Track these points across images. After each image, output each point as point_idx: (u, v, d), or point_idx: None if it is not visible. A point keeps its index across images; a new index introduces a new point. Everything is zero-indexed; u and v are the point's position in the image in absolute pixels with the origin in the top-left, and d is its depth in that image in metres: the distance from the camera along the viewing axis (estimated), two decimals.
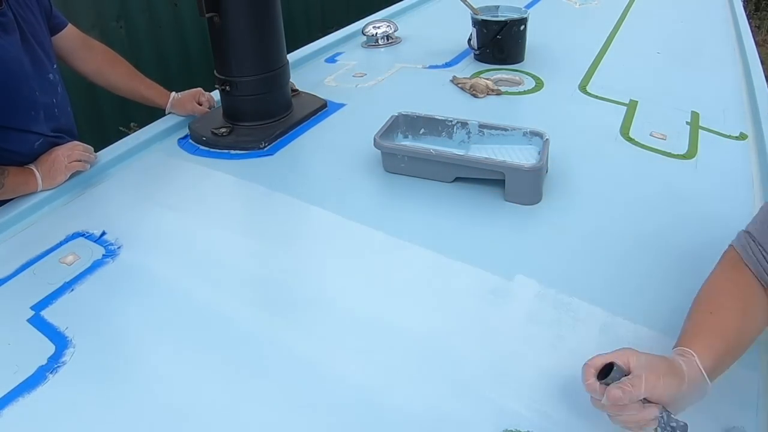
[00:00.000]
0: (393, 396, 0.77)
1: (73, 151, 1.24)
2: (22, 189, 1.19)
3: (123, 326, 0.89)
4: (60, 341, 0.85)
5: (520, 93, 1.64)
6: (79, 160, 1.24)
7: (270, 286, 0.97)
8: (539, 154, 1.22)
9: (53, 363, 0.82)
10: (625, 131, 1.42)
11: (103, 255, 1.03)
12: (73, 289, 0.95)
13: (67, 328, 0.87)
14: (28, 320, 0.89)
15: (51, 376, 0.80)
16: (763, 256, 0.78)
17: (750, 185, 1.23)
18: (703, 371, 0.70)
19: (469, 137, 1.29)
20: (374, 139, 1.23)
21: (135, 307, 0.92)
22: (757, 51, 1.98)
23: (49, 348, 0.84)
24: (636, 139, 1.38)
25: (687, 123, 1.47)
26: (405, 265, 1.00)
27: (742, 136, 1.42)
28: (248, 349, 0.84)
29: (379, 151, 1.25)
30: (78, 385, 0.79)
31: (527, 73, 1.75)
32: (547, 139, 1.21)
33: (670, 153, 1.33)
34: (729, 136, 1.42)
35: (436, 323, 0.88)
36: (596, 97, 1.61)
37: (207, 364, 0.82)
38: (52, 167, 1.22)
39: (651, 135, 1.40)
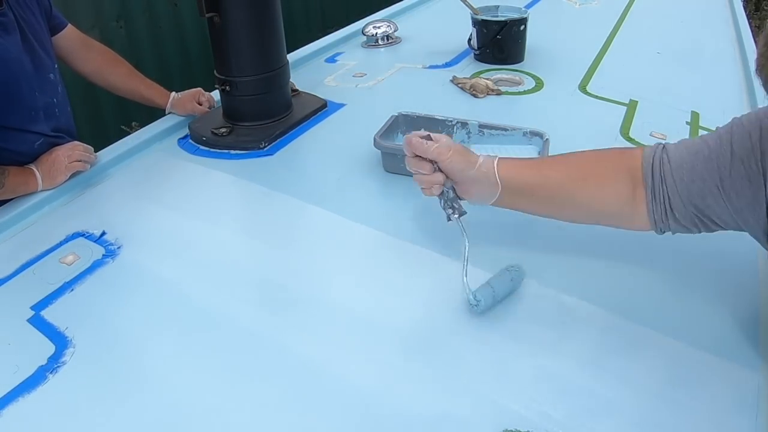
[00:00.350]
0: (393, 396, 0.77)
1: (73, 151, 1.24)
2: (22, 189, 1.19)
3: (123, 326, 0.89)
4: (60, 341, 0.85)
5: (520, 93, 1.64)
6: (80, 161, 1.24)
7: (270, 285, 0.97)
8: (539, 154, 1.22)
9: (53, 363, 0.82)
10: (625, 131, 1.42)
11: (103, 255, 1.03)
12: (73, 289, 0.95)
13: (67, 328, 0.87)
14: (28, 320, 0.89)
15: (51, 376, 0.80)
16: (667, 167, 0.79)
17: None
18: (497, 172, 0.83)
19: (469, 137, 1.29)
20: (374, 139, 1.23)
21: (135, 307, 0.92)
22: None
23: (49, 348, 0.84)
24: (636, 139, 1.38)
25: (687, 123, 1.47)
26: (405, 265, 1.00)
27: None
28: (248, 349, 0.84)
29: (379, 151, 1.25)
30: (78, 385, 0.79)
31: (527, 73, 1.75)
32: (547, 139, 1.21)
33: None
34: None
35: (436, 323, 0.88)
36: (596, 97, 1.61)
37: (207, 364, 0.82)
38: (52, 167, 1.22)
39: (651, 135, 1.40)
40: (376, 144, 1.23)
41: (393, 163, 1.24)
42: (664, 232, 0.84)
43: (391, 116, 1.31)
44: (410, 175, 1.23)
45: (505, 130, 1.27)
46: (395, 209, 1.15)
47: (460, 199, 0.87)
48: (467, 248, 0.86)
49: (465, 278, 0.86)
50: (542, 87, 1.67)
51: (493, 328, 0.87)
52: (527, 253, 1.02)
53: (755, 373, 0.79)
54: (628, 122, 1.46)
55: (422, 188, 0.88)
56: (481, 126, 1.28)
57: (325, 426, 0.73)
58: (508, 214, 1.12)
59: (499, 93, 1.61)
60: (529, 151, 1.25)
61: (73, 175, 1.23)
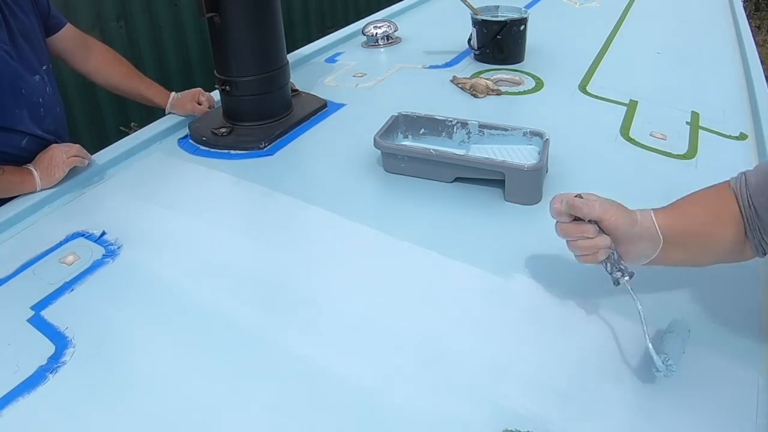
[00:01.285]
0: (393, 396, 0.77)
1: (70, 148, 1.25)
2: (18, 188, 1.18)
3: (123, 326, 0.89)
4: (60, 341, 0.85)
5: (520, 93, 1.64)
6: (77, 156, 1.24)
7: (270, 285, 0.97)
8: (539, 154, 1.22)
9: (53, 363, 0.82)
10: (625, 131, 1.42)
11: (103, 255, 1.03)
12: (73, 289, 0.95)
13: (67, 328, 0.87)
14: (28, 320, 0.89)
15: (51, 376, 0.80)
16: (749, 193, 0.78)
17: None
18: (656, 224, 0.78)
19: (469, 137, 1.29)
20: (374, 139, 1.23)
21: (135, 307, 0.92)
22: (757, 51, 1.98)
23: (49, 348, 0.84)
24: (636, 139, 1.38)
25: (687, 123, 1.47)
26: (405, 265, 1.00)
27: (742, 136, 1.42)
28: (248, 349, 0.84)
29: (379, 151, 1.25)
30: (78, 385, 0.79)
31: (527, 73, 1.75)
32: (547, 139, 1.21)
33: (670, 153, 1.33)
34: (729, 136, 1.42)
35: (436, 323, 0.88)
36: (596, 97, 1.61)
37: (207, 364, 0.82)
38: (50, 164, 1.21)
39: (651, 135, 1.40)
40: (376, 144, 1.23)
41: (393, 163, 1.24)
42: (765, 255, 0.81)
43: (391, 116, 1.31)
44: (410, 175, 1.24)
45: (505, 130, 1.27)
46: (395, 209, 1.15)
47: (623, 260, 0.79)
48: (642, 312, 0.78)
49: (649, 344, 0.75)
50: (542, 87, 1.67)
51: (493, 328, 0.87)
52: (527, 253, 1.02)
53: (755, 373, 0.79)
54: (628, 122, 1.46)
55: (582, 255, 0.79)
56: (481, 126, 1.28)
57: (325, 426, 0.73)
58: (507, 215, 1.12)
59: (499, 93, 1.61)
60: (529, 151, 1.26)
61: (71, 173, 1.23)
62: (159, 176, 1.30)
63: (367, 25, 2.08)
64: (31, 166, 1.21)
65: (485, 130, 1.28)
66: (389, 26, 2.06)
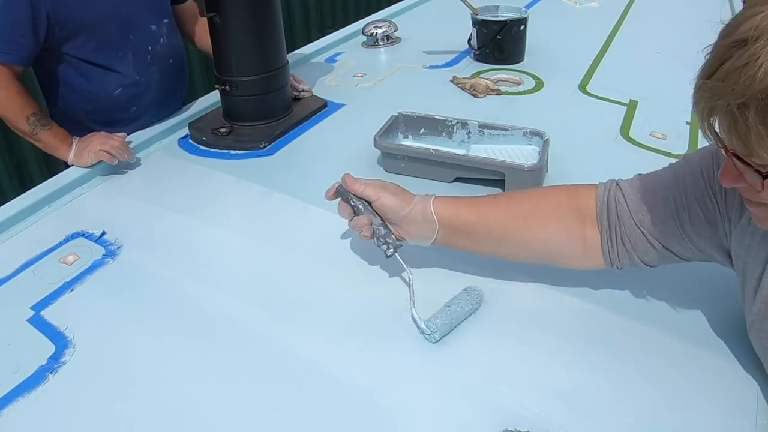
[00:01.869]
0: (393, 396, 0.77)
1: (109, 141, 1.27)
2: (53, 149, 1.33)
3: (123, 326, 0.89)
4: (60, 341, 0.85)
5: (520, 93, 1.64)
6: (109, 152, 1.25)
7: (270, 285, 0.96)
8: (539, 154, 1.22)
9: (53, 363, 0.82)
10: (625, 131, 1.42)
11: (103, 255, 1.03)
12: (73, 289, 0.95)
13: (67, 328, 0.87)
14: (28, 320, 0.89)
15: (51, 376, 0.80)
16: (622, 208, 0.79)
17: None
18: (434, 211, 0.84)
19: (469, 137, 1.29)
20: (374, 138, 1.23)
21: (135, 307, 0.92)
22: None
23: (49, 348, 0.84)
24: (636, 139, 1.38)
25: (687, 123, 1.47)
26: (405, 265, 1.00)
27: None
28: (248, 349, 0.84)
29: (379, 151, 1.25)
30: (78, 385, 0.79)
31: (527, 73, 1.75)
32: (547, 139, 1.21)
33: (670, 153, 1.33)
34: None
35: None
36: (596, 97, 1.61)
37: (207, 364, 0.82)
38: (86, 147, 1.27)
39: (651, 135, 1.40)
40: (376, 144, 1.23)
41: (393, 163, 1.24)
42: (621, 269, 0.84)
43: (391, 116, 1.31)
44: (411, 175, 1.24)
45: (505, 130, 1.27)
46: None
47: (396, 237, 0.88)
48: (411, 280, 0.87)
49: (413, 310, 0.85)
50: (542, 87, 1.67)
51: (492, 328, 0.87)
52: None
53: (755, 373, 0.79)
54: (628, 122, 1.46)
55: (365, 236, 0.88)
56: (481, 126, 1.28)
57: (325, 426, 0.73)
58: None
59: (499, 93, 1.61)
60: (529, 151, 1.26)
61: (70, 173, 1.23)
62: (159, 176, 1.30)
63: (367, 25, 2.08)
64: (73, 138, 1.31)
65: (485, 130, 1.28)
66: (389, 26, 2.06)
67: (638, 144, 1.36)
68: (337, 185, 0.91)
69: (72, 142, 1.31)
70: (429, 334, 0.83)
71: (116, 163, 1.26)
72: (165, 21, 1.49)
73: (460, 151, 1.25)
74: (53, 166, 2.67)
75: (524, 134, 1.26)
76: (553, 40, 2.03)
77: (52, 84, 1.43)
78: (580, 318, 0.89)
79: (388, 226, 0.88)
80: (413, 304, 0.85)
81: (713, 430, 0.72)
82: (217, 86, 1.43)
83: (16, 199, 1.17)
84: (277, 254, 1.04)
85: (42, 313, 0.90)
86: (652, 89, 1.67)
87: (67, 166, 1.31)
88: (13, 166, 2.63)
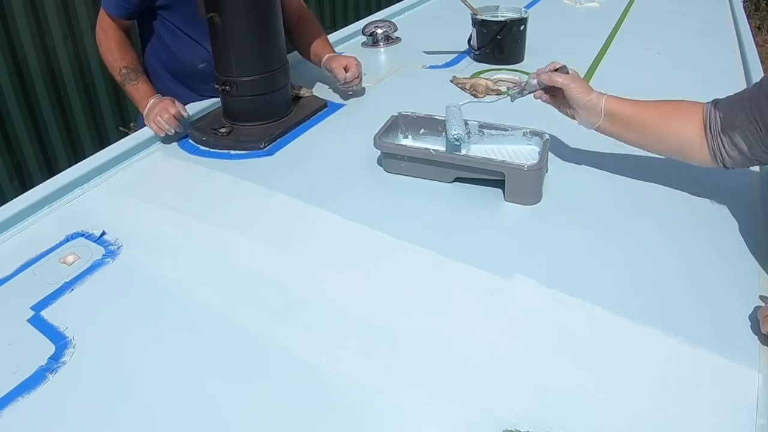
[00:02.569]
0: (393, 396, 0.77)
1: (167, 112, 1.35)
2: (135, 103, 1.45)
3: (123, 326, 0.89)
4: (60, 341, 0.85)
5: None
6: (157, 125, 1.35)
7: (270, 286, 0.96)
8: (539, 154, 1.22)
9: (53, 363, 0.82)
10: None
11: (103, 255, 1.03)
12: (73, 289, 0.95)
13: (67, 328, 0.87)
14: (28, 320, 0.89)
15: (51, 376, 0.80)
16: (717, 113, 1.03)
17: (750, 185, 1.23)
18: (603, 105, 1.13)
19: (468, 137, 1.29)
20: (374, 139, 1.23)
21: (135, 307, 0.92)
22: (757, 51, 1.98)
23: (49, 348, 0.84)
24: None
25: None
26: (405, 266, 1.00)
27: None
28: (248, 349, 0.84)
29: (379, 151, 1.25)
30: (78, 385, 0.79)
31: (527, 73, 1.75)
32: (547, 139, 1.21)
33: None
34: None
35: (436, 323, 0.88)
36: None
37: (207, 364, 0.82)
38: (151, 111, 1.37)
39: None
40: (376, 144, 1.23)
41: (393, 163, 1.24)
42: (724, 165, 1.04)
43: (391, 116, 1.31)
44: (410, 175, 1.24)
45: (505, 130, 1.27)
46: (395, 209, 1.15)
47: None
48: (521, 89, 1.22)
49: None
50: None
51: (492, 328, 0.87)
52: (527, 253, 1.02)
53: (755, 373, 0.79)
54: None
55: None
56: (481, 126, 1.28)
57: (325, 426, 0.73)
58: (506, 215, 1.12)
59: (499, 93, 1.61)
60: (529, 151, 1.26)
61: (69, 173, 1.23)
62: (159, 176, 1.30)
63: (367, 25, 2.08)
64: (153, 97, 1.40)
65: (485, 130, 1.28)
66: (389, 26, 2.06)
67: None
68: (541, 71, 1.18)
69: (149, 100, 1.40)
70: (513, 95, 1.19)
71: (164, 135, 1.36)
72: None
73: (460, 151, 1.25)
74: (53, 166, 2.68)
75: (524, 134, 1.26)
76: (553, 40, 2.03)
77: (149, 42, 1.60)
78: (581, 318, 0.89)
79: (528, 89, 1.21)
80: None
81: (713, 430, 0.72)
82: (217, 86, 1.43)
83: (16, 199, 1.16)
84: (277, 254, 1.04)
85: (42, 313, 0.90)
86: (652, 89, 1.67)
87: (67, 165, 1.30)
88: (13, 166, 2.64)
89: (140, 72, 1.50)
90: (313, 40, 1.68)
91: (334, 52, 1.69)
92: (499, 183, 1.17)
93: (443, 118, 1.30)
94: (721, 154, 1.03)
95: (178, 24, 1.54)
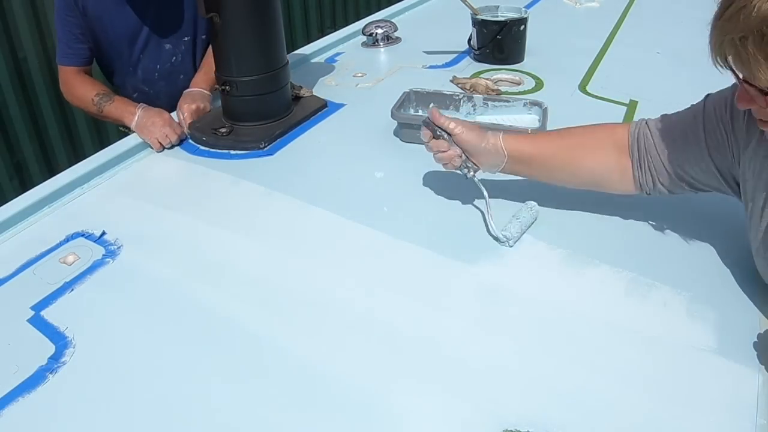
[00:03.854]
0: (393, 396, 0.77)
1: (167, 129, 1.37)
2: (120, 120, 1.48)
3: (123, 326, 0.89)
4: (60, 341, 0.85)
5: (520, 93, 1.63)
6: (158, 142, 1.37)
7: (270, 286, 0.96)
8: (539, 121, 1.32)
9: (53, 363, 0.82)
10: None
11: (103, 255, 1.03)
12: (73, 289, 0.95)
13: (67, 328, 0.87)
14: (28, 320, 0.89)
15: (51, 376, 0.80)
16: (648, 141, 0.96)
17: None
18: (503, 146, 1.02)
19: (474, 109, 1.43)
20: (391, 111, 1.35)
21: (135, 307, 0.92)
22: None
23: (49, 348, 0.84)
24: None
25: None
26: (405, 265, 1.00)
27: None
28: (248, 349, 0.84)
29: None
30: (78, 385, 0.79)
31: (527, 73, 1.75)
32: (546, 108, 1.32)
33: None
34: None
35: (437, 323, 0.88)
36: (596, 97, 1.61)
37: (207, 364, 0.82)
38: (148, 125, 1.38)
39: None
40: (393, 116, 1.35)
41: (409, 132, 1.36)
42: (650, 194, 0.99)
43: (404, 92, 1.43)
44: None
45: (507, 101, 1.41)
46: (395, 210, 1.15)
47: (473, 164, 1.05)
48: (487, 197, 1.05)
49: (491, 222, 1.04)
50: (542, 87, 1.67)
51: (492, 327, 0.87)
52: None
53: (755, 373, 0.79)
54: (628, 122, 1.45)
55: (444, 165, 1.05)
56: (486, 99, 1.42)
57: (325, 426, 0.73)
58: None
59: (499, 93, 1.61)
60: (530, 119, 1.37)
61: (69, 173, 1.23)
62: (159, 176, 1.30)
63: (367, 25, 2.07)
64: (138, 108, 1.43)
65: (489, 103, 1.42)
66: (389, 26, 2.06)
67: None
68: (431, 112, 1.05)
69: (135, 111, 1.44)
70: (504, 241, 1.02)
71: (159, 149, 1.38)
72: (185, 39, 1.64)
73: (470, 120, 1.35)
74: (53, 166, 2.68)
75: (525, 104, 1.39)
76: (553, 40, 2.03)
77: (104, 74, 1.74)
78: (581, 318, 0.89)
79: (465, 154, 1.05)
80: (491, 217, 1.04)
81: (713, 430, 0.72)
82: (217, 86, 1.43)
83: (16, 199, 1.16)
84: (277, 254, 1.04)
85: (42, 313, 0.90)
86: (652, 89, 1.67)
87: (67, 165, 1.30)
88: (13, 166, 2.64)
89: (112, 93, 1.56)
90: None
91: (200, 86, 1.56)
92: None
93: (451, 93, 1.46)
94: (653, 189, 0.97)
95: (107, 63, 1.68)
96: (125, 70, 1.65)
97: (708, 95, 0.94)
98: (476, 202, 1.13)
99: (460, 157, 1.03)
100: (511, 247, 1.01)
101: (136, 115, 1.43)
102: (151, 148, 1.38)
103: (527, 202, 1.09)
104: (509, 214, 1.07)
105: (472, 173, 1.04)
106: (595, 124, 1.05)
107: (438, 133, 1.03)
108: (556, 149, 1.03)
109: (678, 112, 0.97)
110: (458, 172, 1.05)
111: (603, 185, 1.03)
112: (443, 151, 1.03)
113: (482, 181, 1.06)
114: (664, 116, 0.98)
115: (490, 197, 1.05)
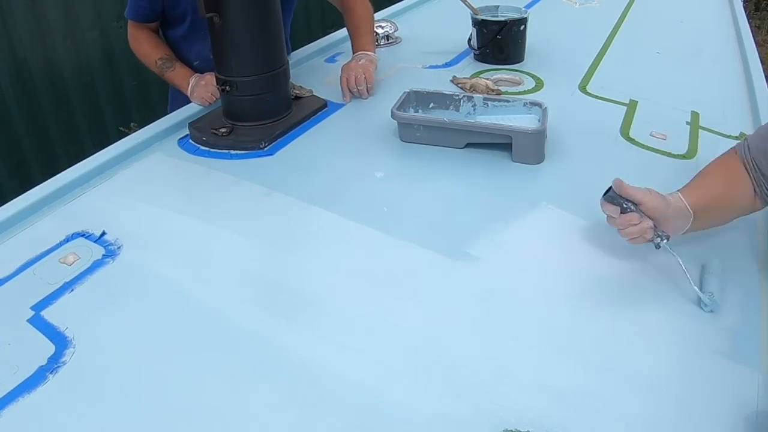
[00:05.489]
0: (393, 396, 0.77)
1: (207, 89, 1.52)
2: (178, 87, 1.60)
3: (123, 326, 0.89)
4: (60, 341, 0.85)
5: (520, 93, 1.63)
6: (202, 98, 1.52)
7: (270, 286, 0.97)
8: (539, 120, 1.32)
9: (53, 363, 0.82)
10: (625, 131, 1.42)
11: (103, 255, 1.03)
12: (73, 289, 0.95)
13: (67, 328, 0.87)
14: (28, 320, 0.89)
15: (51, 376, 0.80)
16: (753, 157, 0.96)
17: None
18: (686, 202, 0.95)
19: (474, 109, 1.43)
20: (391, 111, 1.34)
21: (135, 307, 0.92)
22: (757, 51, 1.98)
23: (49, 348, 0.84)
24: (636, 139, 1.38)
25: (687, 123, 1.47)
26: (405, 265, 1.00)
27: (742, 136, 1.42)
28: (248, 350, 0.84)
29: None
30: (78, 385, 0.79)
31: (527, 73, 1.75)
32: (545, 108, 1.32)
33: (670, 153, 1.33)
34: (729, 136, 1.42)
35: (437, 323, 0.88)
36: (596, 97, 1.61)
37: (207, 365, 0.82)
38: (195, 89, 1.54)
39: (651, 135, 1.40)
40: (393, 116, 1.34)
41: (409, 132, 1.36)
42: None
43: (404, 92, 1.43)
44: (425, 143, 1.31)
45: (507, 101, 1.40)
46: (395, 210, 1.15)
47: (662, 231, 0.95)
48: (682, 263, 0.93)
49: (696, 288, 0.91)
50: (542, 87, 1.67)
51: (492, 328, 0.87)
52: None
53: (755, 373, 0.79)
54: (628, 122, 1.46)
55: (632, 239, 0.95)
56: (486, 99, 1.41)
57: (325, 426, 0.73)
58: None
59: (499, 93, 1.61)
60: (530, 118, 1.36)
61: (68, 173, 1.23)
62: (159, 176, 1.30)
63: None
64: (192, 78, 1.56)
65: (489, 102, 1.41)
66: (389, 26, 2.06)
67: (638, 144, 1.36)
68: (617, 185, 0.95)
69: (188, 82, 1.56)
70: (710, 304, 0.90)
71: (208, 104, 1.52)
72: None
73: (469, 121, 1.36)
74: (53, 166, 2.68)
75: (524, 104, 1.39)
76: (553, 40, 2.03)
77: (167, 40, 1.75)
78: (580, 318, 0.89)
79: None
80: (693, 283, 0.92)
81: (713, 430, 0.72)
82: (217, 86, 1.43)
83: (16, 199, 1.16)
84: (277, 254, 1.04)
85: (42, 313, 0.90)
86: (652, 89, 1.67)
87: (67, 165, 1.30)
88: (13, 166, 2.64)
89: (174, 59, 1.64)
90: (353, 33, 1.74)
91: (366, 49, 1.70)
92: (506, 147, 1.27)
93: (451, 93, 1.45)
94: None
95: (177, 22, 1.65)
96: (196, 35, 1.65)
97: None
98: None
99: (652, 228, 0.94)
100: (713, 311, 0.91)
101: (189, 83, 1.56)
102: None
103: (711, 261, 1.00)
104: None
105: (665, 242, 0.94)
106: (719, 157, 1.04)
107: (625, 205, 0.94)
108: (724, 191, 0.99)
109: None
110: (650, 239, 0.95)
111: (750, 211, 1.01)
112: (635, 225, 0.93)
113: None
114: (760, 127, 1.01)
115: (682, 261, 0.94)
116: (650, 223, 0.93)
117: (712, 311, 0.89)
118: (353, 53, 1.70)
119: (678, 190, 0.97)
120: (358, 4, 1.74)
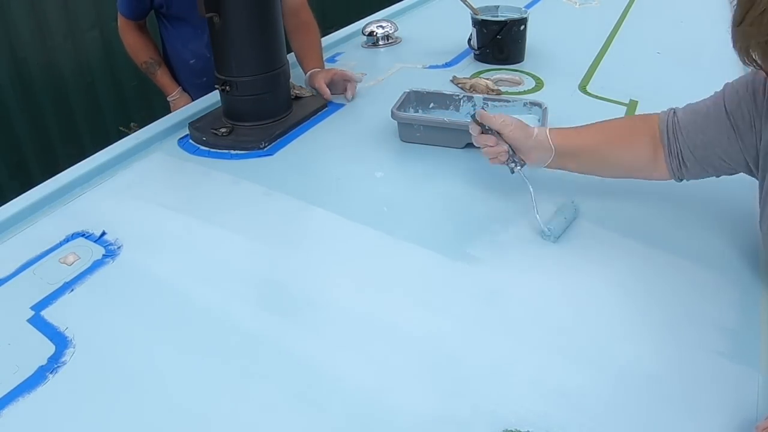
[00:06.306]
0: (393, 396, 0.77)
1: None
2: (161, 87, 1.73)
3: (123, 326, 0.89)
4: (60, 341, 0.85)
5: (520, 93, 1.63)
6: None
7: (270, 286, 0.97)
8: (539, 120, 1.33)
9: (53, 363, 0.82)
10: None
11: (103, 255, 1.03)
12: (73, 289, 0.95)
13: (67, 328, 0.87)
14: (28, 320, 0.89)
15: (51, 376, 0.80)
16: (682, 128, 0.99)
17: (750, 185, 1.22)
18: (550, 138, 1.04)
19: (474, 109, 1.39)
20: (391, 111, 1.34)
21: (135, 307, 0.92)
22: None
23: (49, 348, 0.84)
24: None
25: None
26: (405, 265, 1.00)
27: None
28: (249, 350, 0.84)
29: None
30: (78, 385, 0.79)
31: (527, 73, 1.75)
32: (545, 108, 1.33)
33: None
34: None
35: (437, 323, 0.88)
36: (596, 97, 1.61)
37: (207, 365, 0.82)
38: (174, 105, 1.66)
39: None
40: (393, 116, 1.34)
41: (409, 132, 1.36)
42: (681, 180, 1.03)
43: (404, 92, 1.42)
44: (425, 143, 1.31)
45: (507, 101, 1.40)
46: (395, 210, 1.15)
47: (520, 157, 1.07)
48: (533, 192, 1.05)
49: (537, 216, 1.04)
50: (542, 87, 1.67)
51: (492, 327, 0.87)
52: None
53: (755, 373, 0.79)
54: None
55: (490, 159, 1.07)
56: (486, 99, 1.41)
57: (325, 426, 0.73)
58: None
59: (499, 93, 1.61)
60: (530, 119, 1.35)
61: (67, 174, 1.23)
62: (159, 176, 1.30)
63: (367, 25, 2.07)
64: (176, 91, 1.73)
65: (489, 102, 1.41)
66: (389, 26, 2.06)
67: None
68: (479, 112, 1.06)
69: (171, 93, 1.70)
70: (548, 236, 1.02)
71: None
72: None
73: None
74: (53, 166, 2.68)
75: (525, 104, 1.39)
76: (553, 40, 2.03)
77: (160, 41, 1.81)
78: (581, 318, 0.89)
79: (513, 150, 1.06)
80: (537, 212, 1.04)
81: (713, 430, 0.72)
82: (217, 86, 1.43)
83: (16, 199, 1.16)
84: (277, 254, 1.04)
85: (42, 313, 0.90)
86: (652, 89, 1.67)
87: (67, 165, 1.30)
88: (13, 166, 2.64)
89: (159, 64, 1.74)
90: (304, 51, 1.68)
91: (320, 64, 1.66)
92: None
93: (451, 93, 1.45)
94: (682, 173, 1.01)
95: (172, 21, 1.71)
96: (192, 33, 1.71)
97: (727, 83, 0.98)
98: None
99: (507, 152, 1.05)
100: (554, 242, 1.02)
101: (170, 96, 1.71)
102: None
103: (568, 200, 1.10)
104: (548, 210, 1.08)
105: (518, 168, 1.06)
106: (631, 115, 1.09)
107: (487, 128, 1.05)
108: (600, 142, 1.06)
109: (702, 99, 1.01)
110: (506, 165, 1.07)
111: (641, 174, 1.07)
112: (491, 146, 1.05)
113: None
114: (689, 104, 1.02)
115: (533, 190, 1.05)
116: (505, 147, 1.05)
117: (544, 239, 1.02)
118: (306, 71, 1.64)
119: (550, 128, 1.07)
120: (312, 24, 1.72)
